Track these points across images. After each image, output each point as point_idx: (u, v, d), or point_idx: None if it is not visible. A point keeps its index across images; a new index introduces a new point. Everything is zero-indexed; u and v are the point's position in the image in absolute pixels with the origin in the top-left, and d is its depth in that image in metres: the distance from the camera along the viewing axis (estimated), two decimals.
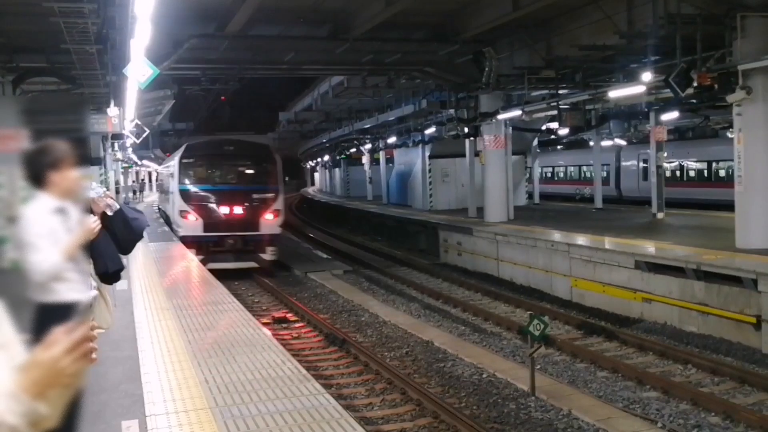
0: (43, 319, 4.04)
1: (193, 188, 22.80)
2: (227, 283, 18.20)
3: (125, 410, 6.78)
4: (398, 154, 38.18)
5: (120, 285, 12.79)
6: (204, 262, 19.50)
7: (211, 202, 22.26)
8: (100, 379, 7.37)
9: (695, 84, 14.51)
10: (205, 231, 21.74)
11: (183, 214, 22.23)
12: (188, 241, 21.52)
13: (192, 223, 21.94)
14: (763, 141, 14.55)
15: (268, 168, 23.37)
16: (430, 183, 31.95)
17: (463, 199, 29.92)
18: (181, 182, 22.76)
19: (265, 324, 14.67)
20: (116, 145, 33.08)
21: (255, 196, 22.43)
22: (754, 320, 12.30)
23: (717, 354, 12.35)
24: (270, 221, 22.17)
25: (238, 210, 22.04)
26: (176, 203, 22.70)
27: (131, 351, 8.84)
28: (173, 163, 25.00)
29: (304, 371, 8.04)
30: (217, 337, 9.71)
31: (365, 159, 44.66)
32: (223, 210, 22.03)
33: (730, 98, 14.47)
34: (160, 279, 15.21)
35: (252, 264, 22.00)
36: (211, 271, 16.94)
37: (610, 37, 17.55)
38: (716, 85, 14.62)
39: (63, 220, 4.38)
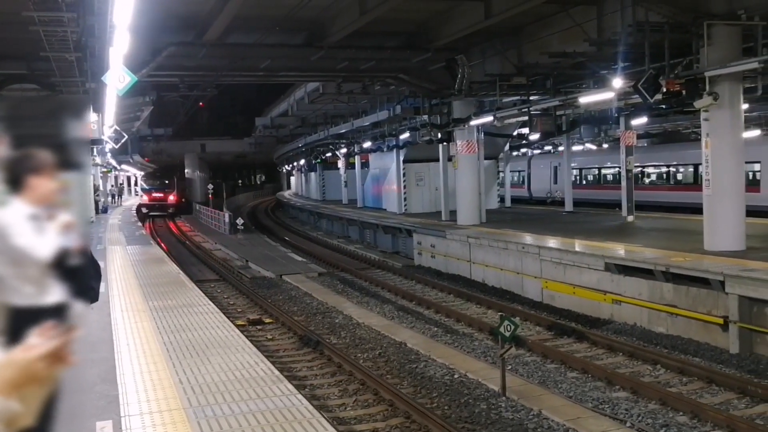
0: (19, 323, 4.04)
1: (145, 187, 60.17)
2: (203, 285, 18.31)
3: (100, 411, 6.87)
4: (373, 158, 38.36)
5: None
6: (147, 213, 50.42)
7: (151, 192, 56.59)
8: (76, 380, 7.45)
9: (664, 90, 14.77)
10: (149, 202, 54.78)
11: (141, 196, 58.86)
12: (143, 206, 52.85)
13: (145, 199, 56.02)
14: (730, 145, 14.92)
15: (172, 182, 57.23)
16: (405, 187, 32.19)
17: (436, 202, 30.22)
18: (141, 185, 63.49)
19: (240, 326, 14.74)
20: (95, 150, 33.15)
21: (166, 190, 56.11)
22: (721, 321, 12.57)
23: (685, 354, 12.59)
24: (171, 199, 55.36)
25: (160, 195, 55.48)
26: (140, 192, 61.40)
27: (107, 352, 8.92)
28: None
29: (277, 372, 8.15)
30: (192, 338, 9.80)
31: (341, 163, 44.85)
32: (154, 195, 55.65)
33: (698, 104, 14.75)
34: (137, 281, 15.24)
35: (164, 213, 53.38)
36: (150, 215, 50.89)
37: (580, 44, 17.84)
38: (684, 91, 14.87)
39: (37, 227, 4.35)
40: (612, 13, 16.93)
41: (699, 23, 14.37)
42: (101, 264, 5.48)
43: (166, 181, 57.74)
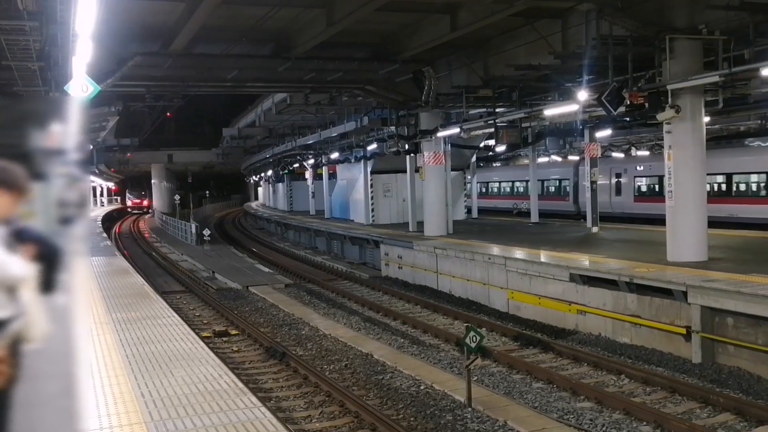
0: None
1: (130, 196, 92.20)
2: (168, 297, 18.14)
3: (59, 426, 6.72)
4: (341, 169, 38.36)
5: (59, 299, 12.65)
6: (131, 211, 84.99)
7: (134, 199, 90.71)
8: (34, 394, 7.31)
9: (627, 103, 14.94)
10: (132, 205, 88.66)
11: (128, 201, 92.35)
12: (129, 207, 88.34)
13: (130, 204, 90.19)
14: (692, 157, 15.13)
15: (146, 193, 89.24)
16: (372, 198, 32.21)
17: (404, 213, 30.29)
18: (128, 195, 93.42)
19: (205, 338, 14.64)
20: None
21: (142, 199, 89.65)
22: (684, 331, 12.72)
23: (649, 364, 12.71)
24: (145, 204, 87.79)
25: (138, 201, 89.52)
26: (128, 200, 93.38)
27: (67, 365, 8.76)
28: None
29: (241, 385, 8.08)
30: (155, 351, 9.69)
31: (308, 174, 44.79)
32: (135, 201, 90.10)
33: (660, 116, 14.94)
34: (101, 293, 15.05)
35: (141, 212, 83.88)
36: (132, 212, 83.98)
37: (545, 57, 18.01)
38: (647, 104, 15.06)
39: None
40: (576, 26, 17.11)
41: (661, 37, 14.59)
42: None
43: (143, 193, 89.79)
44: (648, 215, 25.72)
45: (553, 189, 36.38)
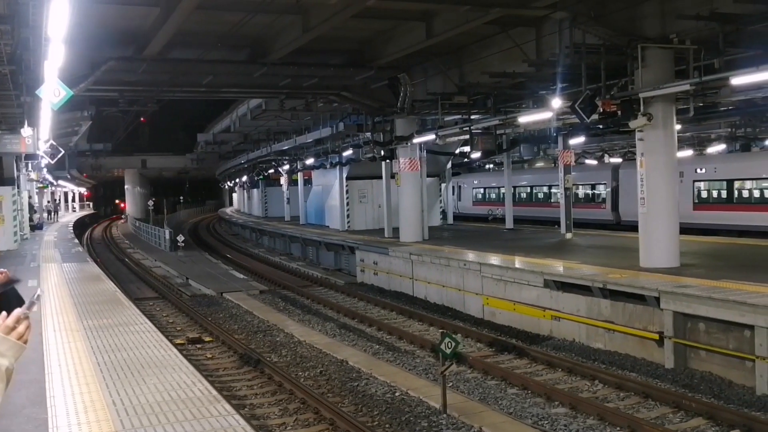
0: None
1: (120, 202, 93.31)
2: (141, 304, 17.95)
3: None
4: (316, 175, 38.32)
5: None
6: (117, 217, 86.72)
7: (123, 203, 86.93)
8: (3, 402, 7.21)
9: (600, 110, 15.05)
10: (122, 208, 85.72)
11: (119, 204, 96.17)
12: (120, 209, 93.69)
13: (122, 207, 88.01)
14: (664, 165, 15.29)
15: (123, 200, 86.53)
16: (348, 204, 32.19)
17: (379, 219, 30.27)
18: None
19: (179, 345, 14.52)
20: (30, 165, 32.45)
21: (123, 202, 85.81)
22: (656, 336, 12.82)
23: (622, 370, 12.79)
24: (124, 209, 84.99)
25: (123, 206, 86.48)
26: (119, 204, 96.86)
27: (37, 374, 8.65)
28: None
29: (214, 392, 8.00)
30: (127, 358, 9.58)
31: (283, 180, 44.66)
32: (124, 204, 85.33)
33: (633, 124, 15.06)
34: (72, 300, 14.86)
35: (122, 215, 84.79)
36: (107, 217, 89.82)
37: (520, 64, 18.14)
38: (619, 112, 15.17)
39: None
40: (550, 34, 17.21)
41: (633, 46, 14.73)
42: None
43: (124, 197, 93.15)
44: (712, 226, 22.31)
45: (580, 196, 33.11)
